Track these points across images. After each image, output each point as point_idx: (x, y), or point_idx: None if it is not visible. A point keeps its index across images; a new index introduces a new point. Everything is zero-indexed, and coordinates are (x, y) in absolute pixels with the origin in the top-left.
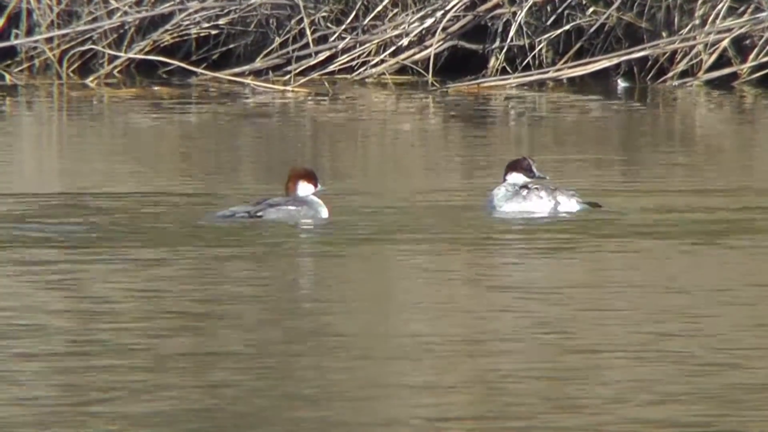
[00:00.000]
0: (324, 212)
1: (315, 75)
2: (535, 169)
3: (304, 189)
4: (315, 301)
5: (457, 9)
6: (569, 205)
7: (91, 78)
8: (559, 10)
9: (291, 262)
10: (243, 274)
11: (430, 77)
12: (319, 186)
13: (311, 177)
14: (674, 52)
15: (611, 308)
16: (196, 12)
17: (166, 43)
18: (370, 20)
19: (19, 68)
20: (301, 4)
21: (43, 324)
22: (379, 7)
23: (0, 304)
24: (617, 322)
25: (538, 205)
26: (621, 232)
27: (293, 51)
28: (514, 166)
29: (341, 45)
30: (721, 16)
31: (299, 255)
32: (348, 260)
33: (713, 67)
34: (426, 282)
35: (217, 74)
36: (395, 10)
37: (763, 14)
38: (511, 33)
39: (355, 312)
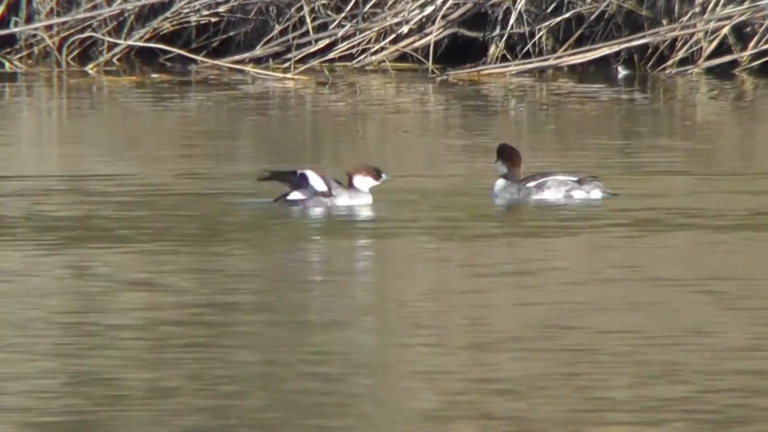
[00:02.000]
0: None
1: (315, 62)
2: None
3: (362, 183)
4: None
5: None
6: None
7: (90, 65)
8: None
9: (328, 250)
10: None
11: (430, 65)
12: (383, 176)
13: (369, 171)
14: (674, 40)
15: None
16: None
17: (165, 31)
18: (369, 8)
19: (19, 56)
20: None
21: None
22: None
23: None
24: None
25: (551, 194)
26: (628, 221)
27: (293, 39)
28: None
29: (341, 32)
30: (721, 3)
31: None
32: (368, 250)
33: (713, 55)
34: (472, 273)
35: (217, 62)
36: None
37: (764, 2)
38: (512, 20)
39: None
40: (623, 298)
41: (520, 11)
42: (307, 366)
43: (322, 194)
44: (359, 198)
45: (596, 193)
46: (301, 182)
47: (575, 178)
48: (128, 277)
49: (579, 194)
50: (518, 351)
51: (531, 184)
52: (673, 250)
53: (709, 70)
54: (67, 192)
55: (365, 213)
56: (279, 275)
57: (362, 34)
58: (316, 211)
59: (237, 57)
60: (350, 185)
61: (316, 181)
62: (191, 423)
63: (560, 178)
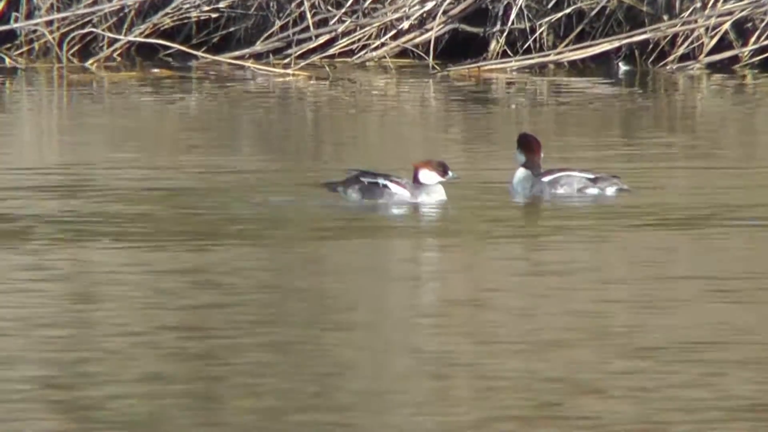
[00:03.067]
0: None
1: (315, 58)
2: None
3: (427, 177)
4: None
5: None
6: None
7: (90, 61)
8: None
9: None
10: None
11: (430, 60)
12: (449, 173)
13: (435, 166)
14: (675, 36)
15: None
16: None
17: (166, 27)
18: (370, 3)
19: (19, 51)
20: None
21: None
22: None
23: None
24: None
25: (564, 191)
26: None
27: (293, 34)
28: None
29: (341, 28)
30: None
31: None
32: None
33: (714, 51)
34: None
35: (217, 57)
36: None
37: None
38: (512, 16)
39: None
40: (667, 296)
41: (520, 7)
42: (374, 366)
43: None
44: (434, 195)
45: (611, 191)
46: (384, 193)
47: (592, 176)
48: (182, 274)
49: (593, 191)
50: (580, 350)
51: (546, 179)
52: (696, 247)
53: (709, 66)
54: (67, 187)
55: (426, 211)
56: (299, 274)
57: (363, 30)
58: (382, 207)
59: (237, 53)
60: (415, 179)
61: (399, 191)
62: (242, 423)
63: (575, 174)
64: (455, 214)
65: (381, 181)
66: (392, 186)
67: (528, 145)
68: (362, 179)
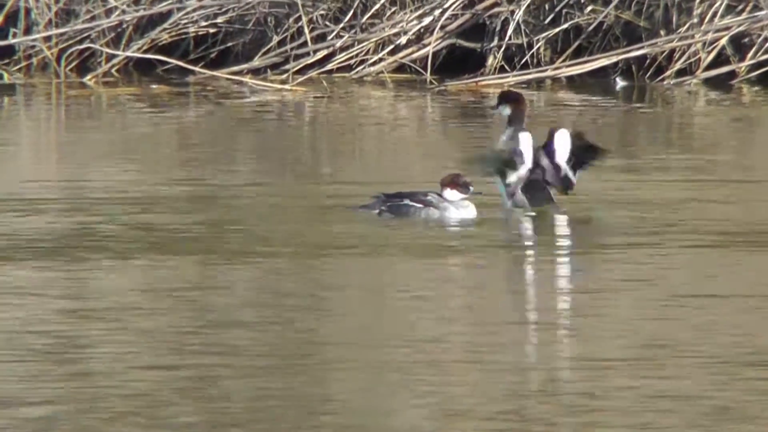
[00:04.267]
0: (457, 212)
1: (313, 73)
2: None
3: (450, 195)
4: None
5: (456, 7)
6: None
7: (89, 77)
8: (557, 9)
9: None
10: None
11: (428, 76)
12: (470, 189)
13: (456, 184)
14: (672, 51)
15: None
16: (194, 10)
17: (164, 42)
18: (368, 19)
19: (17, 67)
20: (299, 2)
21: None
22: (377, 6)
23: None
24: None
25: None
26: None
27: (291, 49)
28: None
29: (339, 43)
30: (719, 14)
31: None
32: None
33: (711, 66)
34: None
35: (215, 73)
36: (393, 9)
37: (762, 12)
38: (510, 31)
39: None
40: (701, 314)
41: (518, 22)
42: (464, 386)
43: (433, 206)
44: (464, 210)
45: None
46: (411, 210)
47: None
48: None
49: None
50: (662, 367)
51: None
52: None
53: (707, 81)
54: (65, 202)
55: (454, 226)
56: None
57: (360, 45)
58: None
59: (235, 68)
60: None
61: (428, 209)
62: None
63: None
64: (474, 231)
65: (407, 201)
66: (419, 204)
67: (512, 97)
68: (388, 202)
